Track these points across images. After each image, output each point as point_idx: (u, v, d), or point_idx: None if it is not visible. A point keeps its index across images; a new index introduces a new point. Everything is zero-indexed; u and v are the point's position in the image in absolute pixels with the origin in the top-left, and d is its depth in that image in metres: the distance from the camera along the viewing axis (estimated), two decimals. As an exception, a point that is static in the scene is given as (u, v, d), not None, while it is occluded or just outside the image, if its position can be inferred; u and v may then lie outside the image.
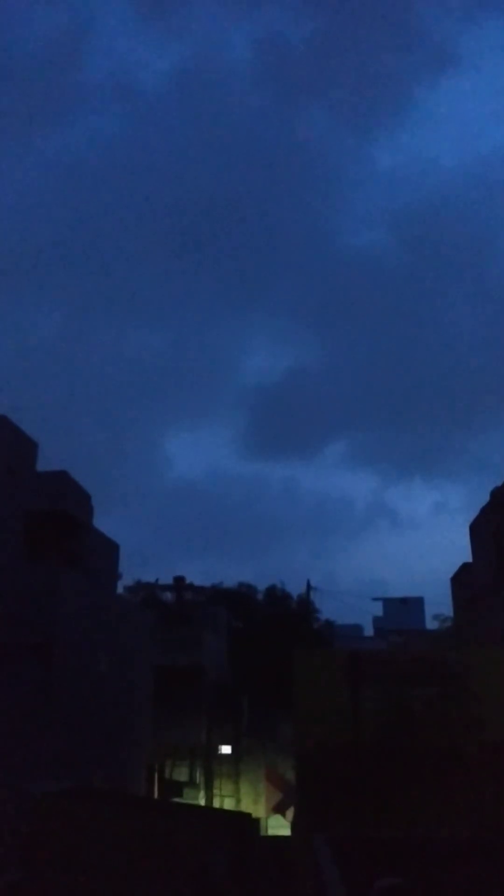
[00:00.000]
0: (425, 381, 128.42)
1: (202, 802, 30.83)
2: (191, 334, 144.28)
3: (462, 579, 29.85)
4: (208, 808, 29.71)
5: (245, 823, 21.32)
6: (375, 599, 58.46)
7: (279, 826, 30.07)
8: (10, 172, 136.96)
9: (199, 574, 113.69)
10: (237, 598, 51.30)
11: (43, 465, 23.90)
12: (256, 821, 24.48)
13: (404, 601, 59.34)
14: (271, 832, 29.60)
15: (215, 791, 32.09)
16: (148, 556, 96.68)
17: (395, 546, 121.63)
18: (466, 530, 28.18)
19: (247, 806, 30.95)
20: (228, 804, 31.51)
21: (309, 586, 39.18)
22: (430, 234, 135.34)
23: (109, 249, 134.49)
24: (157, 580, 45.83)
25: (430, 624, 54.88)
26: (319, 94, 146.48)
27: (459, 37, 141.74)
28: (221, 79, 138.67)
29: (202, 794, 31.62)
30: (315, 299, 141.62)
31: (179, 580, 42.12)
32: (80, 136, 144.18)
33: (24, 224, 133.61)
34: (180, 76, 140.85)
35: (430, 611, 59.44)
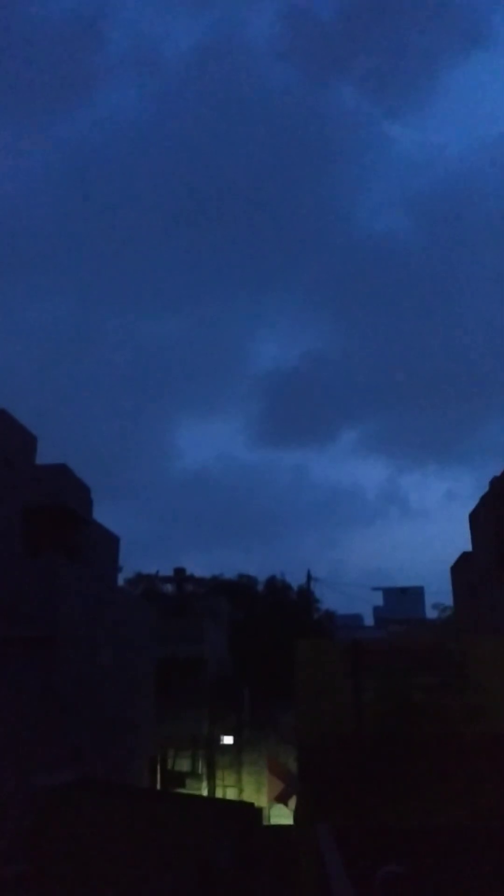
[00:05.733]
0: (442, 365, 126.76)
1: (205, 793, 30.99)
2: (204, 321, 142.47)
3: (462, 569, 29.92)
4: (211, 798, 29.86)
5: (247, 813, 21.41)
6: (375, 589, 58.70)
7: (282, 815, 30.22)
8: (24, 155, 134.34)
9: (205, 564, 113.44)
10: (238, 590, 51.42)
11: (50, 456, 23.94)
12: (259, 810, 24.57)
13: (404, 591, 59.54)
14: (274, 821, 29.75)
15: (218, 781, 32.25)
16: (155, 547, 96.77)
17: (405, 535, 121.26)
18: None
19: (249, 796, 31.09)
20: (231, 794, 31.67)
21: (309, 577, 39.28)
22: (448, 217, 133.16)
23: (121, 234, 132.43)
24: (157, 572, 45.97)
25: (430, 613, 55.07)
26: (344, 71, 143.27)
27: (491, 15, 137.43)
28: (245, 55, 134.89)
29: (204, 784, 31.78)
30: (331, 285, 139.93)
31: (180, 572, 42.20)
32: (98, 115, 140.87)
33: (36, 207, 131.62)
34: (203, 52, 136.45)
35: (430, 600, 59.76)
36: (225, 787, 32.17)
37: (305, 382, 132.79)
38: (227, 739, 33.17)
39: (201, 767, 32.23)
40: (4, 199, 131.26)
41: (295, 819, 19.15)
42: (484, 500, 26.43)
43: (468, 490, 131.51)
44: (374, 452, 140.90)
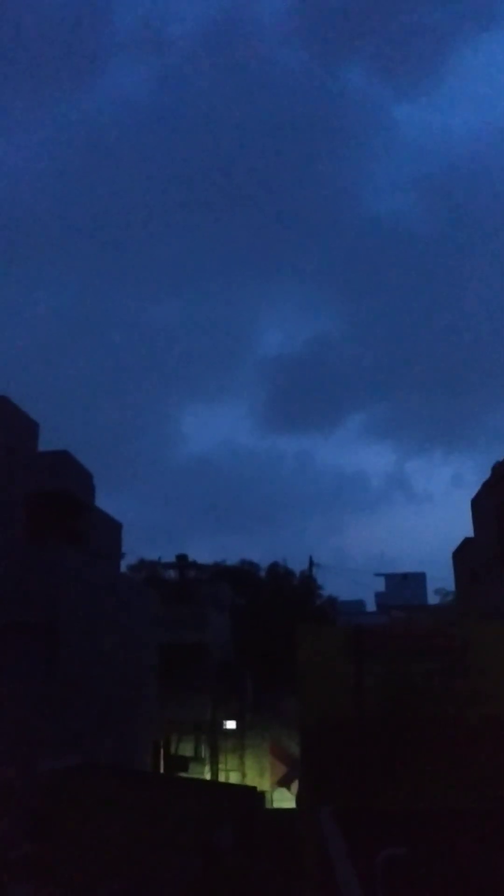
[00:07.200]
0: (450, 350, 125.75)
1: (207, 777, 31.18)
2: (209, 305, 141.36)
3: (464, 554, 29.97)
4: (214, 782, 30.04)
5: (250, 797, 21.56)
6: (378, 575, 58.87)
7: (284, 799, 30.42)
8: (26, 135, 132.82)
9: (208, 551, 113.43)
10: (240, 576, 51.56)
11: (52, 442, 23.93)
12: (262, 794, 24.75)
13: (406, 576, 59.70)
14: (276, 805, 29.96)
15: (220, 766, 32.45)
16: (158, 533, 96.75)
17: (409, 521, 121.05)
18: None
19: (252, 780, 31.29)
20: (234, 778, 31.87)
21: (311, 563, 39.42)
22: (457, 200, 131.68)
23: (126, 217, 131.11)
24: (159, 558, 46.11)
25: (432, 599, 55.31)
26: (353, 52, 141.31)
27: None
28: (253, 35, 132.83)
29: (207, 768, 31.98)
30: (338, 269, 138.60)
31: (182, 558, 42.29)
32: (103, 95, 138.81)
33: (39, 190, 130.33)
34: (211, 31, 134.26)
35: (432, 586, 59.86)
36: (228, 771, 32.38)
37: (311, 368, 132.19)
38: (230, 724, 33.35)
39: (204, 752, 32.44)
40: (5, 180, 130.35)
41: (297, 802, 19.30)
42: (486, 486, 26.45)
43: (473, 476, 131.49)
44: (380, 438, 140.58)
